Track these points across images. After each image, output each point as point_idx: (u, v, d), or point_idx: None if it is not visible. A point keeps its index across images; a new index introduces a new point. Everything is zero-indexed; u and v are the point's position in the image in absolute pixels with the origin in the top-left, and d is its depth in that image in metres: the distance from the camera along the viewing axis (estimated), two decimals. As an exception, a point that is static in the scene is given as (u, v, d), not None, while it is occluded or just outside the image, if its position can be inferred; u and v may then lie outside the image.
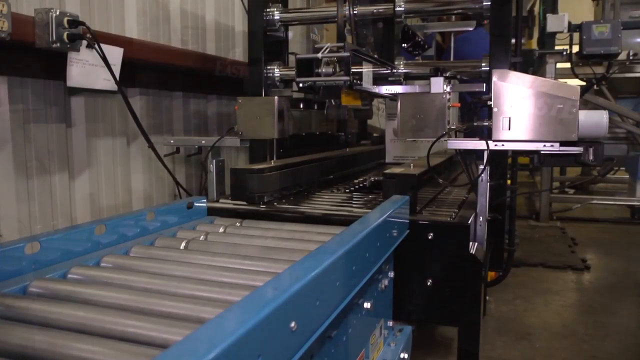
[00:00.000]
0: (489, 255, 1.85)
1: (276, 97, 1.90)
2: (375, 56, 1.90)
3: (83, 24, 1.54)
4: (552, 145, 1.47)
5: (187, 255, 1.13)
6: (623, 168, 5.19)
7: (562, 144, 1.47)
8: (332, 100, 1.94)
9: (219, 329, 0.55)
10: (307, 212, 1.58)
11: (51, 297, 0.87)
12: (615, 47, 3.89)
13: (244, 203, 1.68)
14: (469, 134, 1.70)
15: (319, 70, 1.57)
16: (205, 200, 1.59)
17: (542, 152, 1.50)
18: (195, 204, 1.53)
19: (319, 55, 1.54)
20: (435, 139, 1.61)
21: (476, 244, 1.53)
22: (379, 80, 2.04)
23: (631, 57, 4.14)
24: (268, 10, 2.15)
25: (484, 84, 1.84)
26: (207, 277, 0.97)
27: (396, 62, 2.05)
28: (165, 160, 1.91)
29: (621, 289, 3.07)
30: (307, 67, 1.58)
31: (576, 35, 4.09)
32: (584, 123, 1.47)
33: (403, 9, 2.00)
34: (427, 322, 1.88)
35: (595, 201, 4.91)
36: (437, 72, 1.68)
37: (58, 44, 1.47)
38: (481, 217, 1.57)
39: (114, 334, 0.73)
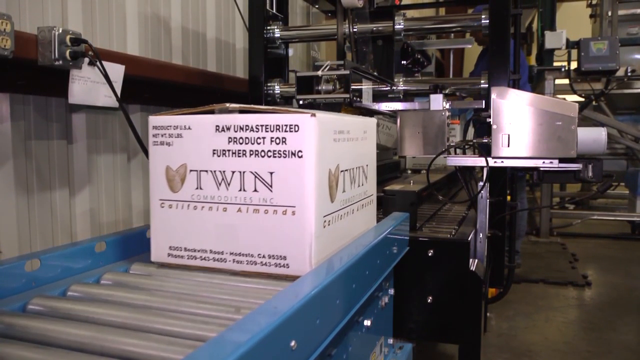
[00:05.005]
0: (489, 271, 1.84)
1: (276, 113, 1.90)
2: (375, 73, 1.91)
3: (85, 41, 1.55)
4: (551, 162, 1.48)
5: (188, 272, 1.13)
6: (623, 184, 5.19)
7: (561, 160, 1.48)
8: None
9: (219, 348, 0.54)
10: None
11: (51, 314, 0.87)
12: (613, 64, 3.93)
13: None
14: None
15: (319, 88, 1.59)
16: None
17: (541, 168, 1.51)
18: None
19: (319, 72, 1.55)
20: (434, 155, 1.62)
21: (476, 260, 1.53)
22: (378, 97, 2.05)
23: (629, 74, 4.18)
24: (268, 27, 2.17)
25: (483, 101, 1.85)
26: (208, 295, 0.97)
27: (395, 79, 2.07)
28: (166, 177, 1.91)
29: (622, 305, 3.06)
30: (307, 84, 1.59)
31: (574, 52, 4.13)
32: (582, 140, 1.48)
33: (402, 27, 2.02)
34: (428, 340, 1.88)
35: (595, 217, 4.91)
36: (436, 89, 1.69)
37: (60, 62, 1.48)
38: (481, 234, 1.57)
39: (113, 352, 0.73)
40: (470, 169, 1.71)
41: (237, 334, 0.58)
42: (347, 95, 1.54)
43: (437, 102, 1.65)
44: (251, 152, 0.98)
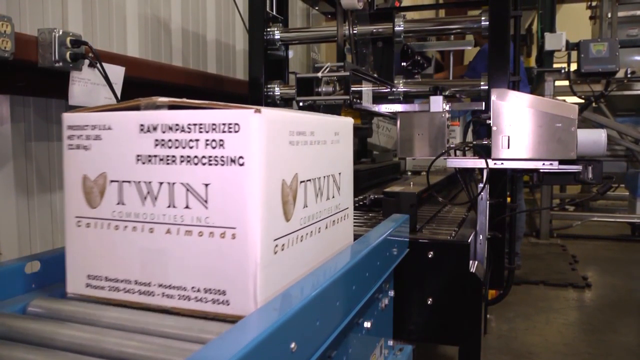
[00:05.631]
0: (489, 273, 1.84)
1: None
2: (375, 75, 1.92)
3: (86, 43, 1.55)
4: (551, 164, 1.48)
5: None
6: (623, 185, 5.20)
7: (561, 162, 1.48)
8: (332, 119, 1.95)
9: (219, 349, 0.54)
10: (307, 230, 1.57)
11: (51, 316, 0.87)
12: (613, 65, 3.93)
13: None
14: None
15: (319, 89, 1.59)
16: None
17: (541, 170, 1.51)
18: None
19: (319, 74, 1.56)
20: (434, 157, 1.62)
21: (476, 262, 1.53)
22: (378, 99, 2.05)
23: (629, 75, 4.18)
24: (268, 29, 2.17)
25: (483, 103, 1.85)
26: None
27: (395, 81, 2.07)
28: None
29: (623, 307, 3.06)
30: (307, 86, 1.59)
31: (574, 54, 4.13)
32: (582, 141, 1.48)
33: (402, 28, 2.02)
34: (428, 341, 1.88)
35: (595, 218, 4.92)
36: (436, 91, 1.70)
37: (61, 64, 1.49)
38: (481, 236, 1.57)
39: (113, 354, 0.73)
40: (470, 171, 1.71)
41: (237, 336, 0.58)
42: (347, 97, 1.54)
43: (437, 103, 1.65)
44: (182, 159, 0.78)
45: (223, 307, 0.77)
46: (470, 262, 1.46)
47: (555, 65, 4.62)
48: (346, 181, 1.07)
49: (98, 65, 1.60)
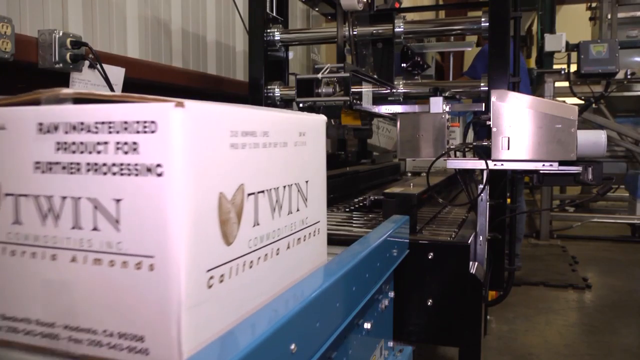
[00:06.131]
0: (489, 274, 1.84)
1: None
2: (375, 76, 1.92)
3: (86, 44, 1.56)
4: (551, 165, 1.48)
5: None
6: (622, 186, 5.20)
7: (561, 163, 1.48)
8: (332, 120, 1.95)
9: (219, 351, 0.54)
10: (307, 232, 1.57)
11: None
12: (613, 67, 3.94)
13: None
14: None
15: (319, 90, 1.59)
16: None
17: (541, 171, 1.51)
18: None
19: (319, 75, 1.56)
20: (434, 158, 1.62)
21: (476, 263, 1.53)
22: (378, 100, 2.05)
23: (629, 76, 4.18)
24: (269, 30, 2.17)
25: (483, 104, 1.85)
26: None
27: (395, 82, 2.07)
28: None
29: (623, 308, 3.06)
30: (307, 87, 1.60)
31: (574, 55, 4.14)
32: (582, 143, 1.48)
33: (402, 29, 2.02)
34: (428, 342, 1.88)
35: (595, 219, 4.92)
36: (436, 92, 1.70)
37: (61, 65, 1.49)
38: (481, 237, 1.57)
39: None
40: (470, 172, 1.71)
41: (237, 337, 0.58)
42: (347, 98, 1.54)
43: (437, 104, 1.65)
44: (88, 167, 0.60)
45: (141, 356, 0.59)
46: (470, 263, 1.46)
47: (555, 67, 4.63)
48: (316, 191, 0.90)
49: (98, 66, 1.60)
